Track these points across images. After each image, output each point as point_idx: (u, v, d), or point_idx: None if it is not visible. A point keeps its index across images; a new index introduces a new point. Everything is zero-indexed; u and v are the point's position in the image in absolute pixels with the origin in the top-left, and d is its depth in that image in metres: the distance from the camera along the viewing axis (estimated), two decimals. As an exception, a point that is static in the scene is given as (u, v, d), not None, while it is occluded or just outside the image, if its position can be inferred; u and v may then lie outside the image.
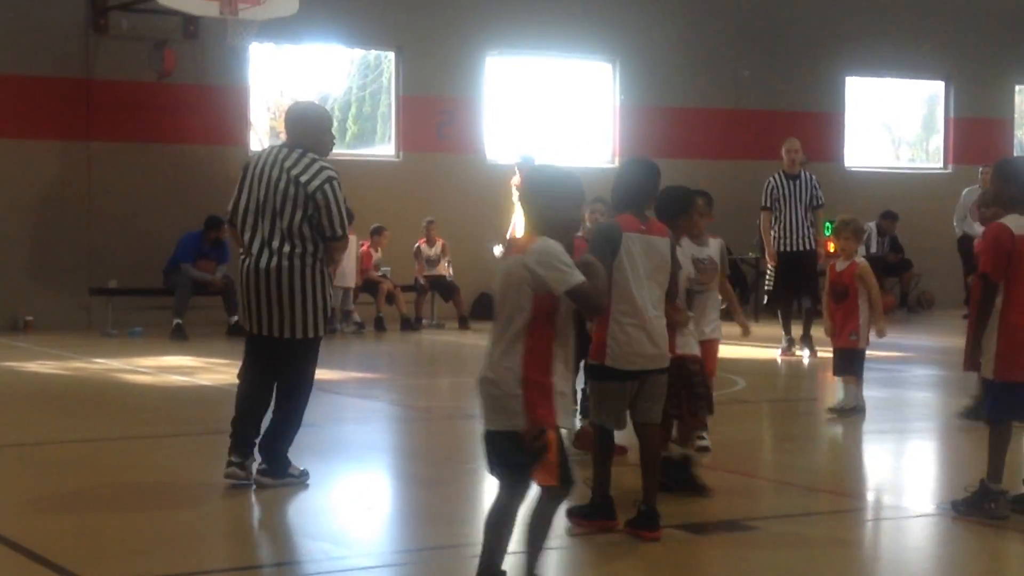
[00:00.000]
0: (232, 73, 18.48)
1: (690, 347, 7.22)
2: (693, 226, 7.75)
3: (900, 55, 22.73)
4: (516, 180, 17.89)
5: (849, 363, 10.29)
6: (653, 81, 21.05)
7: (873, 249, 21.12)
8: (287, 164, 7.39)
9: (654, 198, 6.68)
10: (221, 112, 18.51)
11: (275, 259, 7.37)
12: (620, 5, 20.71)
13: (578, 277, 4.98)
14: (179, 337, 16.21)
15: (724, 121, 21.53)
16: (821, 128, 22.14)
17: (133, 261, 17.63)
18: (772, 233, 14.61)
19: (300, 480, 7.57)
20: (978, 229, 19.17)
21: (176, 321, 16.46)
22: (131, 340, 16.26)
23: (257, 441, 7.62)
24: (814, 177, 14.85)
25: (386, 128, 19.93)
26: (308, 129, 7.51)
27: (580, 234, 9.97)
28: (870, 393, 11.88)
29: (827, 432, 10.32)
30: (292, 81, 20.05)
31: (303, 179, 7.32)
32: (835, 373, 10.47)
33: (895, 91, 23.55)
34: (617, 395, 6.42)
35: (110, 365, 13.73)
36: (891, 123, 23.98)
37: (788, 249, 14.56)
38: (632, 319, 6.33)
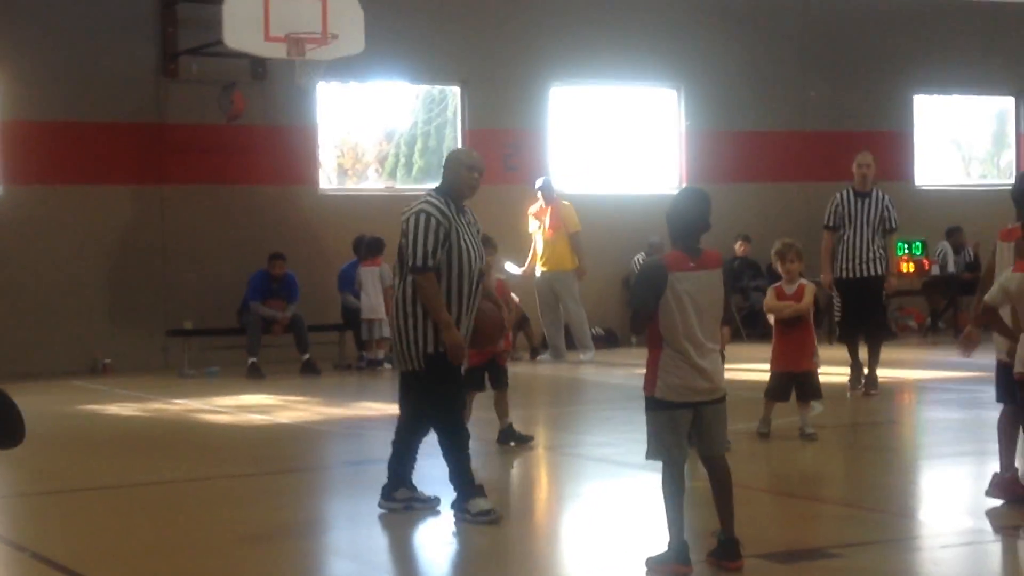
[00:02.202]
0: (300, 113, 18.69)
1: None
2: None
3: (968, 72, 22.53)
4: (534, 209, 17.91)
5: (812, 386, 10.22)
6: (719, 105, 21.03)
7: (951, 269, 20.87)
8: None
9: (707, 227, 6.60)
10: (291, 152, 18.71)
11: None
12: (683, 31, 20.73)
13: None
14: (255, 376, 16.35)
15: (792, 143, 21.45)
16: (890, 147, 21.97)
17: (208, 302, 17.83)
18: (836, 256, 13.21)
19: (396, 508, 7.80)
20: None
21: (251, 360, 16.60)
22: (208, 380, 16.41)
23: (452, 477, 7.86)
24: (887, 197, 13.39)
25: (453, 162, 20.02)
26: (444, 171, 7.86)
27: (503, 276, 10.09)
28: (948, 415, 11.77)
29: (906, 456, 10.23)
30: (359, 119, 20.23)
31: (402, 214, 7.69)
32: (801, 399, 10.27)
33: (964, 108, 23.35)
34: (669, 425, 6.36)
35: (189, 405, 13.88)
36: (961, 140, 23.76)
37: (852, 276, 13.11)
38: (683, 356, 6.31)
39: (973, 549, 6.83)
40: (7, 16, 17.43)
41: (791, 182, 21.12)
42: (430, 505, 7.93)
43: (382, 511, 7.87)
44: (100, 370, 17.33)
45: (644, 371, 6.45)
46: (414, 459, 8.02)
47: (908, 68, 22.10)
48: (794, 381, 10.21)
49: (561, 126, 20.25)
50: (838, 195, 13.32)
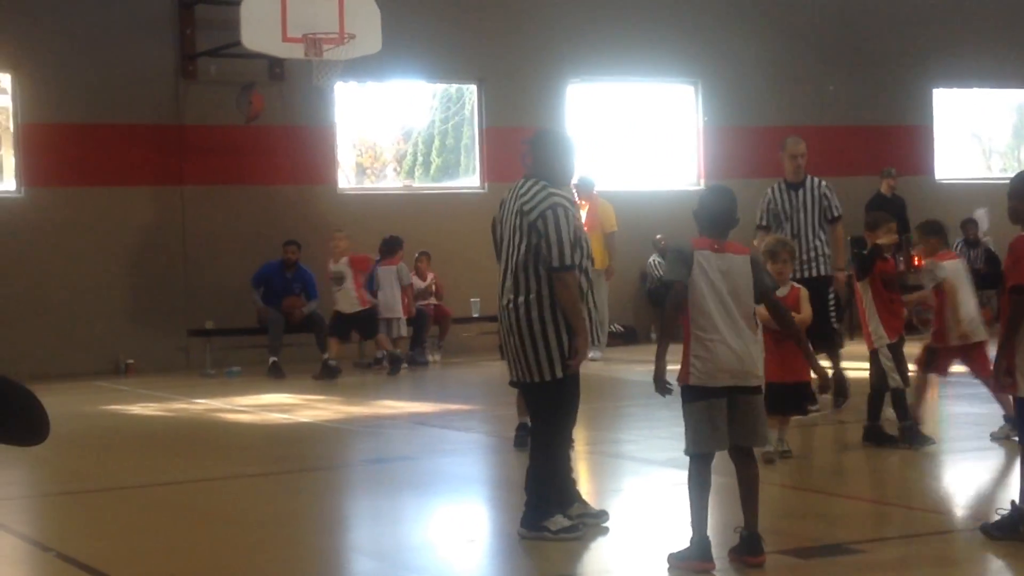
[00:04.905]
0: (318, 113, 18.74)
1: None
2: None
3: (988, 64, 22.46)
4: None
5: (803, 398, 9.31)
6: (736, 101, 21.00)
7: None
8: (520, 194, 7.17)
9: (734, 223, 6.60)
10: (309, 151, 18.77)
11: (506, 298, 7.08)
12: (701, 26, 20.71)
13: None
14: (276, 375, 16.38)
15: (810, 138, 21.25)
16: (910, 141, 21.94)
17: (229, 301, 17.89)
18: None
19: (556, 536, 7.01)
20: None
21: (272, 359, 16.64)
22: (230, 380, 16.47)
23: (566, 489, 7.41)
24: (824, 183, 11.93)
25: (470, 160, 20.07)
26: (541, 157, 7.27)
27: None
28: (970, 408, 11.72)
29: (928, 450, 10.19)
30: (377, 118, 20.28)
31: (526, 208, 7.02)
32: (789, 412, 9.38)
33: (984, 101, 23.28)
34: (706, 415, 6.35)
35: (211, 405, 13.93)
36: (981, 133, 23.68)
37: (793, 276, 11.27)
38: (713, 335, 6.32)
39: (996, 543, 6.81)
40: (26, 19, 17.51)
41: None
42: (600, 520, 7.42)
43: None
44: (123, 371, 17.41)
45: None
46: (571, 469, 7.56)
47: (928, 61, 22.03)
48: (789, 392, 9.25)
49: (579, 123, 20.25)
50: (769, 191, 11.95)
